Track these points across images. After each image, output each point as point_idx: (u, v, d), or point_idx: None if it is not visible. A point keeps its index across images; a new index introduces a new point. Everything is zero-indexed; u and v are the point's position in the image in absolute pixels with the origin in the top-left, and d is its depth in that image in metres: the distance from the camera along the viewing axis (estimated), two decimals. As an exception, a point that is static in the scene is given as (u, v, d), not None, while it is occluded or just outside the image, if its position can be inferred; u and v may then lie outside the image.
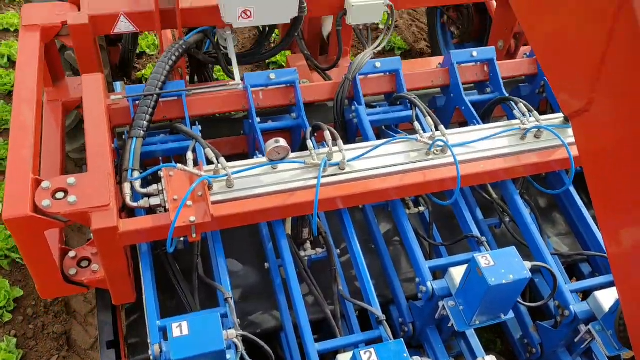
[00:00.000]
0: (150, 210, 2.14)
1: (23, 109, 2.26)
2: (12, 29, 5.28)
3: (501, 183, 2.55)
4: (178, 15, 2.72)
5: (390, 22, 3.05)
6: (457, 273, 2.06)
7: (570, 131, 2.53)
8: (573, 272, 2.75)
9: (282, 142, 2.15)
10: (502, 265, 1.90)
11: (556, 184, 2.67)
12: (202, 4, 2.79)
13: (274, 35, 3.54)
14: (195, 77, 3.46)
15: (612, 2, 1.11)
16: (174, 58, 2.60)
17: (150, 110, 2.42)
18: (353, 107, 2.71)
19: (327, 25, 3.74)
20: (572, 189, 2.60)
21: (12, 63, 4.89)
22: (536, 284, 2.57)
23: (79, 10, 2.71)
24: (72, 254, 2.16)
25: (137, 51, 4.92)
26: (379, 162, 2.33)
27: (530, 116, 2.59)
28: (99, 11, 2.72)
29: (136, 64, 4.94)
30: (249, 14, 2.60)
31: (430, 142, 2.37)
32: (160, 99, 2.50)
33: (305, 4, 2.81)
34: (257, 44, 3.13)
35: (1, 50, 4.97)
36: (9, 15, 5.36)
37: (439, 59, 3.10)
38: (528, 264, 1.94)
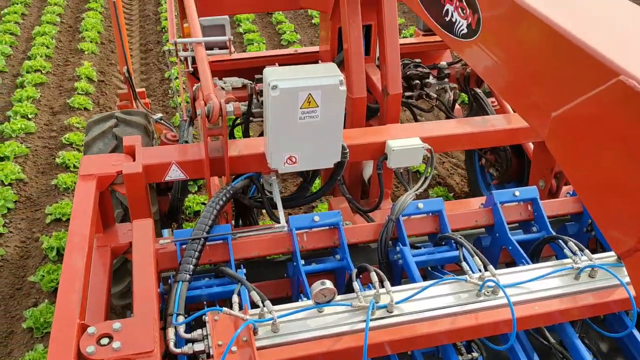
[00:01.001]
0: (193, 357, 2.08)
1: (75, 255, 2.32)
2: (64, 219, 4.94)
3: (558, 326, 2.42)
4: (226, 164, 2.85)
5: (430, 165, 3.12)
6: None
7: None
8: None
9: (329, 284, 2.12)
10: (570, 418, 1.74)
11: (617, 326, 2.52)
12: (249, 152, 2.93)
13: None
14: (240, 221, 3.53)
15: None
16: (221, 203, 2.69)
17: (196, 254, 2.45)
18: (397, 248, 2.69)
19: (368, 169, 3.85)
20: (636, 332, 2.44)
21: (60, 256, 4.47)
22: None
23: (134, 160, 2.87)
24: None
25: (191, 212, 5.09)
26: (428, 304, 2.26)
27: (582, 255, 2.51)
28: (152, 160, 2.87)
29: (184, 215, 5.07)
30: (294, 159, 2.70)
31: (480, 282, 2.30)
32: (207, 243, 2.55)
33: (348, 150, 2.92)
34: (301, 188, 3.21)
35: (51, 242, 4.63)
36: (62, 204, 5.11)
37: (481, 199, 3.12)
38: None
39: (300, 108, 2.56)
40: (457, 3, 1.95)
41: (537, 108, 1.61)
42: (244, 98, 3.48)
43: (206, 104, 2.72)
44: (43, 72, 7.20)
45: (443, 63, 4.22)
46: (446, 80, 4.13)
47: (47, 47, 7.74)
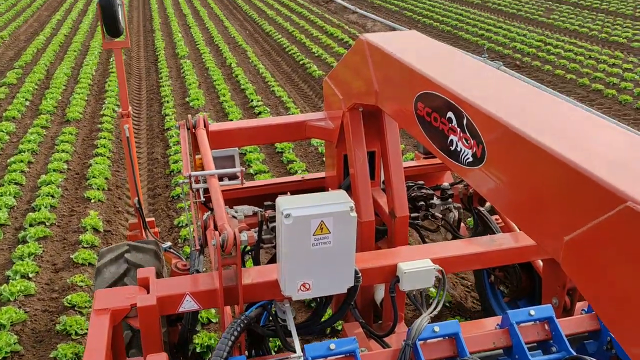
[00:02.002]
0: None
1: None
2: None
3: None
4: (240, 292, 2.86)
5: (443, 286, 3.13)
6: None
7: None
8: None
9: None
10: None
11: None
12: (262, 279, 2.95)
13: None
14: (253, 351, 3.46)
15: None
16: (236, 334, 2.66)
17: (212, 389, 2.39)
18: (417, 375, 2.63)
19: (380, 292, 3.83)
20: None
21: None
22: None
23: (148, 292, 2.88)
24: None
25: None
26: None
27: (607, 375, 2.46)
28: (166, 292, 2.88)
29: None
30: (307, 286, 2.72)
31: (506, 409, 2.23)
32: (222, 376, 2.49)
33: (360, 274, 2.94)
34: (314, 314, 3.19)
35: None
36: (63, 348, 4.64)
37: (496, 320, 3.08)
38: None
39: (313, 235, 2.61)
40: (461, 134, 2.07)
41: (548, 232, 1.66)
42: (254, 225, 3.55)
43: (220, 234, 2.78)
44: (47, 224, 6.67)
45: (446, 184, 4.34)
46: (450, 200, 4.23)
47: (53, 197, 7.26)
